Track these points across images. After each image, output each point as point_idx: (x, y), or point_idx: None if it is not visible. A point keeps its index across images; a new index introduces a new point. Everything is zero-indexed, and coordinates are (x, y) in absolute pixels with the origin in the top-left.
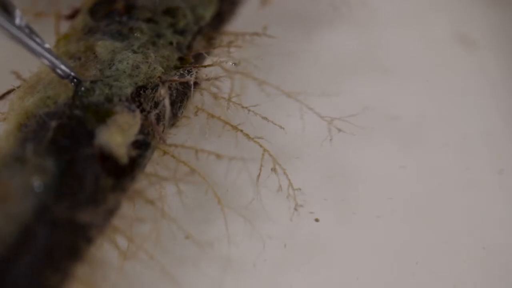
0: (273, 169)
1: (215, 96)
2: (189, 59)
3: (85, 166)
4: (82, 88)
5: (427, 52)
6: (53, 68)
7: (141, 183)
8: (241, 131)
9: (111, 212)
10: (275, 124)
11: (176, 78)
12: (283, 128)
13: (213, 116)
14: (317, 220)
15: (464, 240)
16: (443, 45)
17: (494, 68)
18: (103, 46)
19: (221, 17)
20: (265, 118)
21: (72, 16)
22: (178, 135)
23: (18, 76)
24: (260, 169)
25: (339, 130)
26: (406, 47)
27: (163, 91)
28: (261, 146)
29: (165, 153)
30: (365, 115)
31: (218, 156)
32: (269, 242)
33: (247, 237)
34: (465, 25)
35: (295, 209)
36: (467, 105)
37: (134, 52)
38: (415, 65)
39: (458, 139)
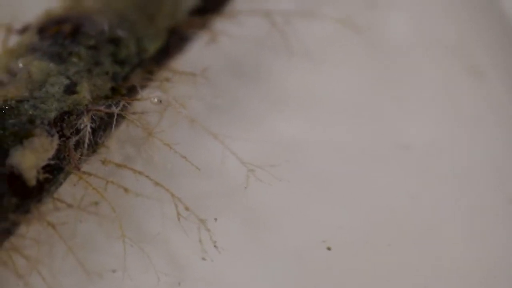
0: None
1: (143, 129)
2: (122, 90)
3: None
4: (6, 107)
5: (437, 82)
6: None
7: (47, 206)
8: (147, 176)
9: (9, 231)
10: (192, 164)
11: (102, 108)
12: (199, 169)
13: (118, 166)
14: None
15: (473, 267)
16: (452, 75)
17: (502, 98)
18: (38, 67)
19: (166, 52)
20: (184, 157)
21: (23, 31)
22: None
23: None
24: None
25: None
26: (416, 77)
27: (86, 119)
28: (167, 190)
29: (80, 178)
30: (376, 143)
31: (126, 190)
32: (165, 278)
33: (143, 270)
34: (475, 56)
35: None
36: (476, 134)
37: (68, 77)
38: (425, 95)
39: (467, 168)
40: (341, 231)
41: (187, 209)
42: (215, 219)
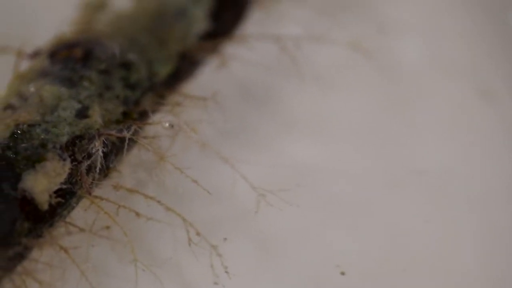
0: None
1: (154, 154)
2: (133, 114)
3: (5, 208)
4: (18, 131)
5: (449, 106)
6: None
7: (59, 230)
8: (158, 201)
9: (22, 255)
10: (203, 188)
11: (113, 132)
12: (210, 193)
13: (130, 190)
14: None
15: None
16: (465, 98)
17: None
18: (50, 91)
19: (177, 76)
20: (195, 182)
21: (34, 56)
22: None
23: None
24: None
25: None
26: (428, 101)
27: (97, 144)
28: (178, 215)
29: (92, 203)
30: (388, 167)
31: (138, 215)
32: None
33: None
34: (487, 79)
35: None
36: (489, 157)
37: (79, 102)
38: (437, 119)
39: (481, 191)
40: (355, 256)
41: (198, 234)
42: (225, 239)
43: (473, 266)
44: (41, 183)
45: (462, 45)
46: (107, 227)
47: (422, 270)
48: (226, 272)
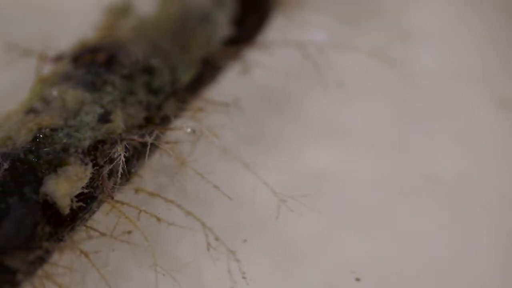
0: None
1: (176, 159)
2: (155, 119)
3: (26, 212)
4: (41, 135)
5: (467, 114)
6: None
7: (80, 234)
8: (179, 206)
9: (43, 259)
10: (224, 194)
11: (135, 137)
12: (231, 199)
13: (151, 194)
14: None
15: None
16: (482, 107)
17: None
18: (73, 96)
19: (200, 82)
20: (216, 187)
21: (57, 59)
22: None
23: None
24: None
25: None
26: (446, 110)
27: (119, 148)
28: (198, 220)
29: (113, 207)
30: (406, 175)
31: (158, 219)
32: None
33: None
34: (505, 88)
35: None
36: (506, 165)
37: (102, 106)
38: (455, 127)
39: (497, 199)
40: (370, 262)
41: (217, 239)
42: (244, 240)
43: (487, 273)
44: (63, 187)
45: (479, 54)
46: (129, 232)
47: (436, 277)
48: (244, 278)
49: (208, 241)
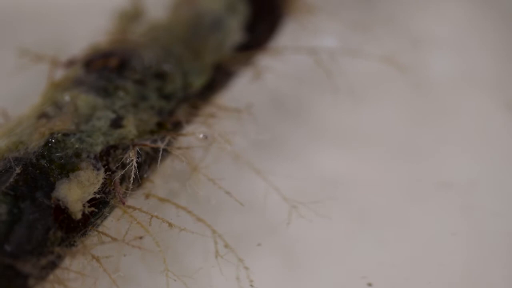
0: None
1: (187, 164)
2: (167, 125)
3: (38, 217)
4: (53, 140)
5: (478, 119)
6: None
7: (91, 239)
8: (190, 212)
9: (55, 264)
10: (236, 200)
11: (147, 143)
12: (243, 205)
13: (162, 200)
14: None
15: None
16: (493, 112)
17: None
18: (85, 101)
19: (211, 88)
20: (228, 193)
21: (69, 64)
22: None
23: (4, 115)
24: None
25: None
26: (457, 115)
27: (131, 154)
28: (209, 226)
29: (125, 212)
30: (417, 180)
31: (170, 225)
32: None
33: None
34: None
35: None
36: None
37: (114, 111)
38: (466, 132)
39: (509, 204)
40: (382, 267)
41: (226, 246)
42: (258, 244)
43: (500, 278)
44: (75, 193)
45: (490, 59)
46: (140, 237)
47: (448, 283)
48: (251, 286)
49: (217, 248)
